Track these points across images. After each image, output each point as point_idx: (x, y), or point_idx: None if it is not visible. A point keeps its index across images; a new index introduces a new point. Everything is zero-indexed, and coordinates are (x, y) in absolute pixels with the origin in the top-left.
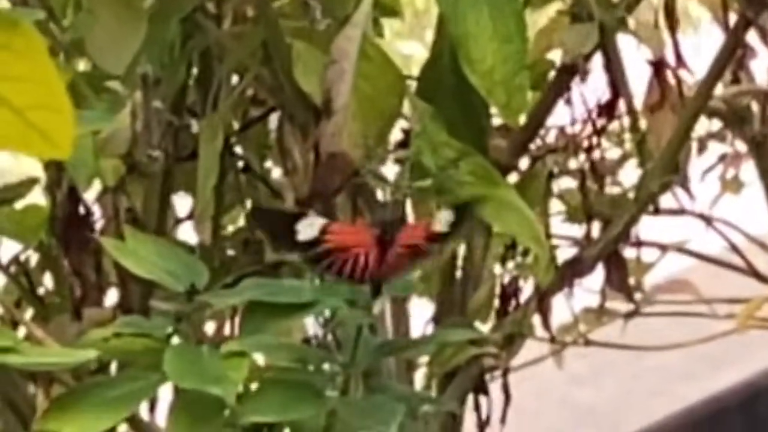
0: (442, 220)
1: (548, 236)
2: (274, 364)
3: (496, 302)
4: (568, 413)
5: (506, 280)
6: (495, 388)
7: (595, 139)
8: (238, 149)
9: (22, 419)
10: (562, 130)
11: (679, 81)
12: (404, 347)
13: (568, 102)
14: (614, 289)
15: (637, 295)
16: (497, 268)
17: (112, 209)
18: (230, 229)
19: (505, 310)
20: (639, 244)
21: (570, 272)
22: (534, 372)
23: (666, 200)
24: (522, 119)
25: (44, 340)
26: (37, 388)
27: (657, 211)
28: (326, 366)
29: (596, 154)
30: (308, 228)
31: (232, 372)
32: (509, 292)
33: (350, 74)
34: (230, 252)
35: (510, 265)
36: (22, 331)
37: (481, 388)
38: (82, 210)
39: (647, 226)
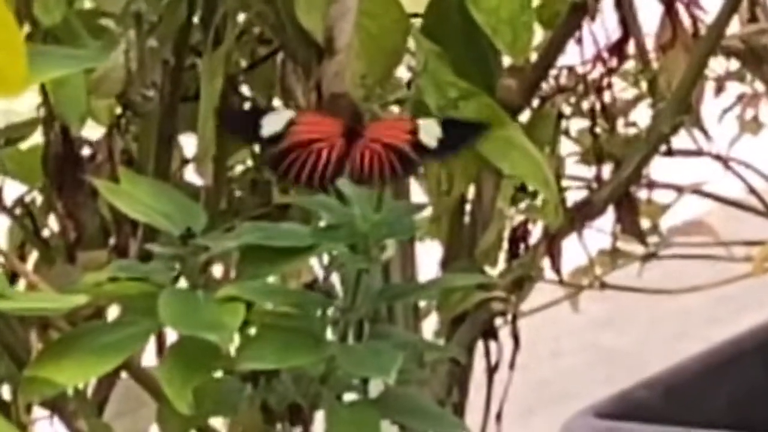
0: (428, 132)
1: (558, 178)
2: (274, 309)
3: (506, 245)
4: (590, 356)
5: (516, 222)
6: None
7: (605, 80)
8: (246, 89)
9: (19, 365)
10: (571, 69)
11: (694, 19)
12: (406, 292)
13: (579, 41)
14: (625, 232)
15: (654, 238)
16: (507, 211)
17: (107, 150)
18: (239, 169)
19: (515, 254)
20: (653, 185)
21: (580, 215)
22: (555, 315)
23: (684, 141)
24: (533, 58)
25: (38, 285)
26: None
27: (671, 152)
28: (329, 311)
29: (607, 95)
30: (274, 122)
31: (228, 317)
32: (519, 235)
33: (353, 12)
34: (238, 193)
35: (520, 207)
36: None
37: (490, 333)
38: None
39: (667, 169)
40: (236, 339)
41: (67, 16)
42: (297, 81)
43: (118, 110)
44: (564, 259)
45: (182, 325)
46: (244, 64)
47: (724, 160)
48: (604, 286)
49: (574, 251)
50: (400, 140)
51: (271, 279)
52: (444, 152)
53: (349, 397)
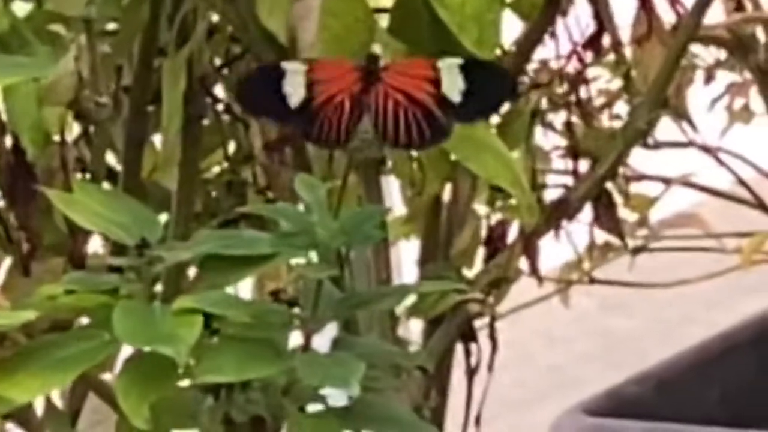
0: (451, 83)
1: (534, 176)
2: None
3: (483, 245)
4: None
5: (493, 222)
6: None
7: (581, 74)
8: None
9: None
10: (545, 64)
11: (673, 11)
12: (369, 300)
13: (553, 36)
14: (603, 229)
15: (643, 231)
16: (483, 210)
17: (60, 160)
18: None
19: (492, 254)
20: (641, 178)
21: (557, 213)
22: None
23: (673, 133)
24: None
25: None
26: None
27: (657, 144)
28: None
29: (583, 90)
30: (295, 86)
31: (184, 330)
32: (495, 234)
33: (317, 11)
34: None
35: (496, 206)
36: None
37: (468, 335)
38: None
39: (660, 162)
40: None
41: (14, 23)
42: None
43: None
44: (554, 254)
45: (137, 339)
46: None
47: (710, 151)
48: (593, 281)
49: (564, 246)
50: (421, 91)
51: (249, 282)
52: (467, 113)
53: (314, 407)
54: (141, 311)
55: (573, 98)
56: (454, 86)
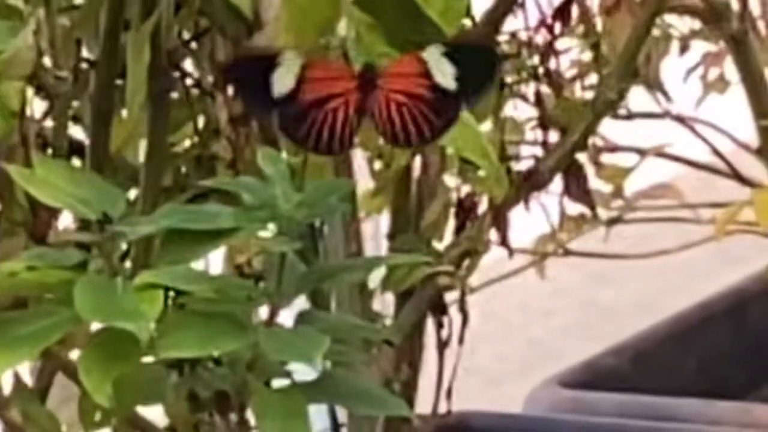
0: (441, 72)
1: (503, 148)
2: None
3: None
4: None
5: (463, 193)
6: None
7: (549, 45)
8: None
9: None
10: (514, 35)
11: None
12: (332, 274)
13: (522, 6)
14: (573, 200)
15: (618, 202)
16: (452, 182)
17: (20, 135)
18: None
19: (462, 226)
20: (615, 149)
21: (526, 185)
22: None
23: (648, 104)
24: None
25: None
26: None
27: (630, 115)
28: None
29: (553, 61)
30: (284, 77)
31: (146, 305)
32: (466, 206)
33: None
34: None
35: (465, 178)
36: None
37: (438, 308)
38: None
39: (635, 133)
40: None
41: None
42: (227, 56)
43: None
44: (531, 226)
45: (98, 315)
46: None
47: (684, 121)
48: (567, 253)
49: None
50: (418, 86)
51: (220, 254)
52: (466, 95)
53: (281, 382)
54: (102, 287)
55: (542, 69)
56: (445, 73)
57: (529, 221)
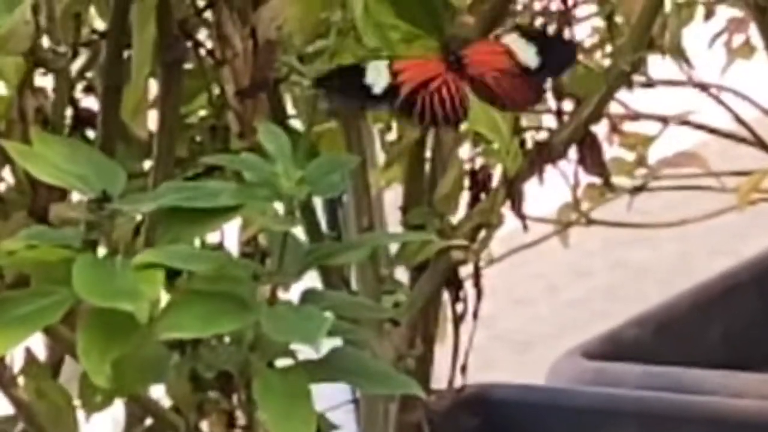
0: (525, 53)
1: (517, 121)
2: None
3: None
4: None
5: (477, 166)
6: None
7: (564, 14)
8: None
9: None
10: (527, 6)
11: None
12: (335, 252)
13: None
14: (588, 173)
15: (642, 170)
16: (465, 154)
17: (18, 110)
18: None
19: (476, 199)
20: (637, 117)
21: (540, 157)
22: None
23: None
24: None
25: None
26: None
27: (651, 84)
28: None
29: (567, 31)
30: (377, 76)
31: (145, 285)
32: (479, 179)
33: None
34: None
35: (478, 150)
36: None
37: (453, 282)
38: None
39: (662, 102)
40: None
41: None
42: (234, 28)
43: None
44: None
45: (96, 295)
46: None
47: (706, 89)
48: (590, 222)
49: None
50: (504, 63)
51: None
52: (548, 73)
53: (286, 361)
54: (101, 266)
55: None
56: (527, 54)
57: (554, 189)
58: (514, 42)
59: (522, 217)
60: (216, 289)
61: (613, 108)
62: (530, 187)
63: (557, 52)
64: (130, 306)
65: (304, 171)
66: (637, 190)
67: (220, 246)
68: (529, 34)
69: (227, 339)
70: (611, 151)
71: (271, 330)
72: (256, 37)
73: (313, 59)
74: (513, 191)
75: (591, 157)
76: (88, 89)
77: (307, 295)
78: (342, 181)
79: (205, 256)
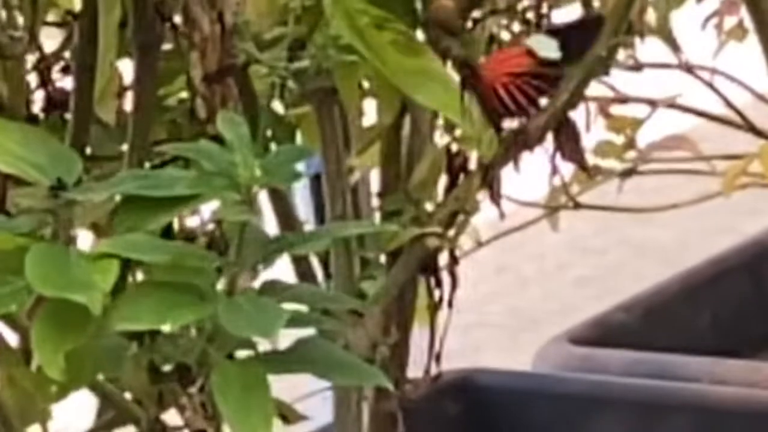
0: (546, 48)
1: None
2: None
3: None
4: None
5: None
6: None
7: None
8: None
9: None
10: None
11: None
12: (295, 243)
13: None
14: (565, 159)
15: (631, 153)
16: (440, 140)
17: None
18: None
19: (452, 185)
20: (625, 100)
21: (516, 144)
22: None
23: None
24: None
25: None
26: None
27: (639, 66)
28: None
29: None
30: None
31: (100, 276)
32: (456, 165)
33: None
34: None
35: (455, 136)
36: None
37: (429, 269)
38: None
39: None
40: None
41: None
42: (202, 11)
43: None
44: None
45: (50, 286)
46: None
47: (693, 71)
48: (578, 206)
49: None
50: (526, 66)
51: None
52: (569, 61)
53: (244, 353)
54: (55, 256)
55: (535, 21)
56: (549, 47)
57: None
58: (538, 42)
59: (498, 203)
60: (173, 280)
61: (602, 91)
62: (526, 168)
63: (577, 40)
64: (82, 297)
65: (262, 160)
66: (627, 173)
67: (192, 231)
68: (550, 30)
69: (192, 330)
70: (600, 134)
71: (229, 323)
72: (223, 22)
73: (270, 46)
74: (488, 177)
75: (568, 143)
76: (65, 69)
77: (266, 286)
78: (302, 172)
79: (162, 246)
